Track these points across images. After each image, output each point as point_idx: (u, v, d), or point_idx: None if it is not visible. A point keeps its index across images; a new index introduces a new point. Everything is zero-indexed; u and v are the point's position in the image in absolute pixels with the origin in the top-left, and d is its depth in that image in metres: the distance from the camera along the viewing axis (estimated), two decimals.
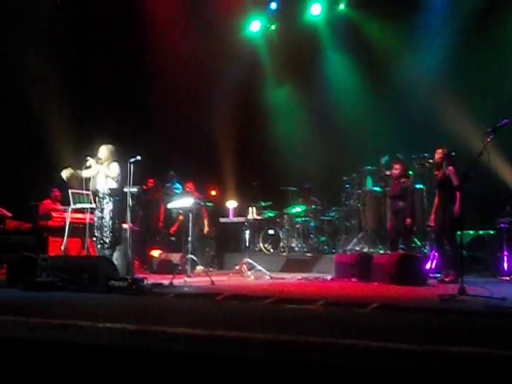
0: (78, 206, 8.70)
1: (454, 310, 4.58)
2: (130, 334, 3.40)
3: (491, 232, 8.58)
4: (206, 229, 10.00)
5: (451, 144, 7.93)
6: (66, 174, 7.43)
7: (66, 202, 9.41)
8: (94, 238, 7.29)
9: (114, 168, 7.39)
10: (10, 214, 9.76)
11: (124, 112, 11.63)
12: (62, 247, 8.08)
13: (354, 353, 2.87)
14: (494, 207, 8.61)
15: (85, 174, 7.42)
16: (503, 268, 7.83)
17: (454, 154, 7.52)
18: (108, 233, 7.17)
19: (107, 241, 7.17)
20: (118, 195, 7.38)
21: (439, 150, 7.54)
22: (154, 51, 11.56)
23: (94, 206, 7.63)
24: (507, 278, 7.56)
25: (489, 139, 5.52)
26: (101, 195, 7.36)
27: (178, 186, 10.63)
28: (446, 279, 7.16)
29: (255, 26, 12.60)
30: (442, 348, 2.82)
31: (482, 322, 4.13)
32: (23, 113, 10.95)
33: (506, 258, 7.85)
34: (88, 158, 7.37)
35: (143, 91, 11.84)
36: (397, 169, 8.27)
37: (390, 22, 10.78)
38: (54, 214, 9.54)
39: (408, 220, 7.88)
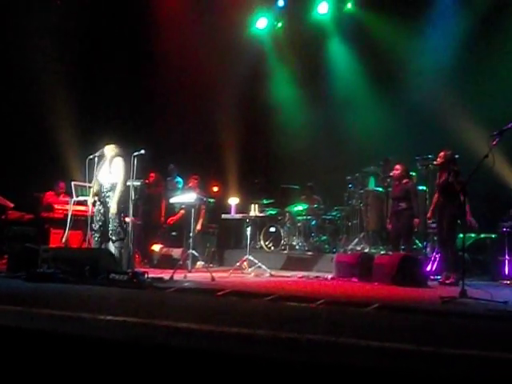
0: (81, 198, 8.69)
1: (454, 312, 4.57)
2: (131, 327, 3.40)
3: (493, 236, 8.56)
4: (199, 227, 9.64)
5: (456, 146, 7.90)
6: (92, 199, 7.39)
7: (71, 194, 9.40)
8: (96, 234, 7.21)
9: (118, 163, 7.31)
10: (12, 205, 9.74)
11: (128, 105, 11.63)
12: (64, 239, 8.06)
13: (353, 352, 2.87)
14: (496, 211, 8.58)
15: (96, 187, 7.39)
16: (504, 272, 7.82)
17: (457, 156, 7.50)
18: (116, 226, 7.14)
19: (115, 233, 7.13)
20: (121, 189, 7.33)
21: (441, 154, 7.49)
22: (159, 48, 11.52)
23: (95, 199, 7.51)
24: (508, 282, 7.54)
25: (494, 142, 5.50)
26: (104, 190, 7.31)
27: (180, 179, 10.59)
28: (447, 281, 7.16)
29: (262, 23, 12.56)
30: (442, 350, 2.82)
31: (483, 325, 4.13)
32: (28, 104, 10.94)
33: (507, 262, 7.84)
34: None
35: (148, 86, 11.82)
36: (397, 169, 8.25)
37: (397, 22, 10.74)
38: (55, 206, 9.53)
39: (416, 220, 7.91)
